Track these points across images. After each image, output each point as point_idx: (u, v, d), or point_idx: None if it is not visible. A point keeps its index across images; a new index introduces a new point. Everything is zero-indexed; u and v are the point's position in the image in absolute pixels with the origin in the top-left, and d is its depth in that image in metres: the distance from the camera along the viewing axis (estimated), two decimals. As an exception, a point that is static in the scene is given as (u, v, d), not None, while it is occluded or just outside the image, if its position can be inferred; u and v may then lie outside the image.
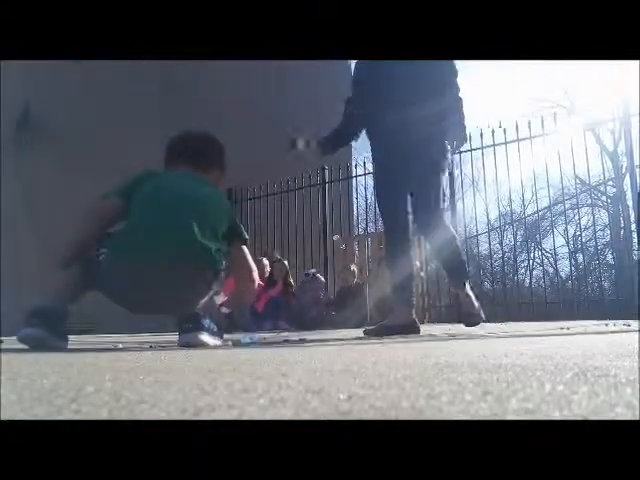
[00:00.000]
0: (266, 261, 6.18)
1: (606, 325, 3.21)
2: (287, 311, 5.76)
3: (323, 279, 6.34)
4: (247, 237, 2.23)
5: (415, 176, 2.68)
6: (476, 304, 2.79)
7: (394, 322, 2.74)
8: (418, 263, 5.60)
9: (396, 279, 2.82)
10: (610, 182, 15.25)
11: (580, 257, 13.28)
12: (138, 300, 2.04)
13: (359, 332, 2.94)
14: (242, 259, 2.18)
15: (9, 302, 5.23)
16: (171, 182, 2.16)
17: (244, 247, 2.20)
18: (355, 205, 7.87)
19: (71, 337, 1.95)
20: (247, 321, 5.61)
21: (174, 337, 2.05)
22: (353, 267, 6.30)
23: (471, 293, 2.82)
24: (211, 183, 2.27)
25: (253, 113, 7.89)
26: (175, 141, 2.40)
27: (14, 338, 1.90)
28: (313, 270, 6.37)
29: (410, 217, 2.75)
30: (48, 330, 1.77)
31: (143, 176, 2.18)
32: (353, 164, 7.05)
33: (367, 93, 2.75)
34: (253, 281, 2.25)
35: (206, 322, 1.92)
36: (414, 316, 2.77)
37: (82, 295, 2.03)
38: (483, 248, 14.44)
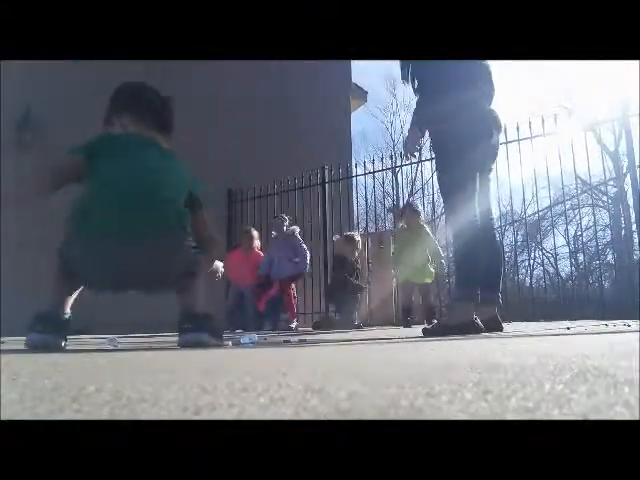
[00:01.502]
0: (255, 232, 6.04)
1: (606, 325, 3.21)
2: (286, 311, 5.75)
3: (301, 241, 5.76)
4: (202, 203, 2.21)
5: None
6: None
7: (453, 321, 2.52)
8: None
9: (459, 274, 2.68)
10: (611, 182, 15.25)
11: (581, 257, 13.29)
12: (121, 276, 1.99)
13: (354, 333, 2.94)
14: (202, 224, 2.20)
15: (9, 302, 5.24)
16: (135, 151, 2.03)
17: (202, 212, 2.22)
18: (355, 205, 7.86)
19: (71, 337, 1.95)
20: (248, 321, 5.57)
21: (174, 337, 2.05)
22: (357, 237, 5.67)
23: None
24: (171, 152, 2.24)
25: (253, 113, 7.89)
26: (127, 92, 2.30)
27: (14, 338, 1.90)
28: (296, 228, 5.88)
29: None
30: (52, 334, 1.78)
31: (104, 139, 2.12)
32: (353, 164, 7.06)
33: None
34: (216, 242, 2.37)
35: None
36: (474, 315, 2.52)
37: (73, 293, 2.02)
38: (483, 248, 14.40)
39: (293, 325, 5.56)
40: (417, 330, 3.11)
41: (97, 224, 1.90)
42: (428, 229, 5.34)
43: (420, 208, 5.56)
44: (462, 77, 2.54)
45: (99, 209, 1.92)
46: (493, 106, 2.75)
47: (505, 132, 5.53)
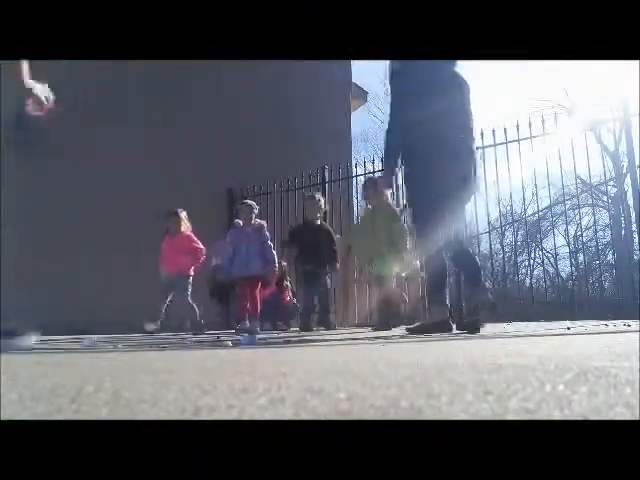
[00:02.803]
0: (183, 214, 4.85)
1: (606, 325, 3.21)
2: (285, 311, 5.71)
3: (269, 238, 4.70)
4: None
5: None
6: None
7: (430, 321, 2.91)
8: (419, 263, 5.57)
9: (432, 281, 3.00)
10: (611, 182, 15.24)
11: (581, 257, 13.27)
12: None
13: (355, 332, 2.94)
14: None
15: (9, 303, 5.24)
16: None
17: None
18: (355, 205, 7.86)
19: (70, 337, 1.95)
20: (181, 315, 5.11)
21: (174, 337, 2.06)
22: (318, 196, 5.12)
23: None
24: None
25: (253, 113, 7.89)
26: None
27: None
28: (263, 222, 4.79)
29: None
30: None
31: None
32: (353, 163, 7.06)
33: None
34: None
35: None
36: (448, 315, 2.87)
37: None
38: (484, 248, 14.46)
39: (258, 328, 4.50)
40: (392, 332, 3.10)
41: None
42: (396, 209, 4.33)
43: (387, 184, 3.92)
44: (435, 91, 2.73)
45: None
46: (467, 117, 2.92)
47: (505, 132, 5.54)
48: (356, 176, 7.13)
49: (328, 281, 5.10)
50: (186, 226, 4.88)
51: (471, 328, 2.74)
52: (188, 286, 4.67)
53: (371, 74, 29.37)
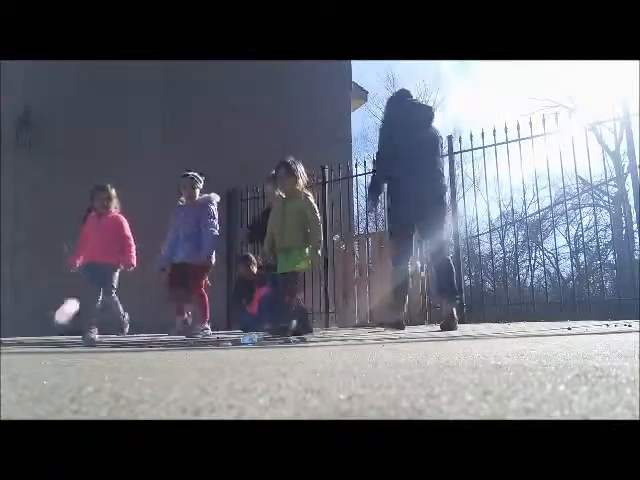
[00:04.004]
0: (113, 190, 3.90)
1: (607, 325, 3.21)
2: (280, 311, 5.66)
3: (216, 215, 3.90)
4: None
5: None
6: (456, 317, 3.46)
7: (389, 319, 3.56)
8: (419, 263, 5.56)
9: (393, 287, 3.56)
10: (612, 182, 15.22)
11: (581, 257, 13.28)
12: None
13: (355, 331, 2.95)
14: None
15: (9, 303, 5.24)
16: None
17: None
18: (355, 205, 7.86)
19: (69, 337, 1.95)
20: (245, 323, 4.89)
21: (174, 337, 2.06)
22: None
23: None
24: None
25: (253, 113, 7.90)
26: None
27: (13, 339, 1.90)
28: (215, 196, 3.98)
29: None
30: None
31: None
32: (353, 163, 7.06)
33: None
34: None
35: None
36: (402, 316, 3.55)
37: None
38: (484, 248, 14.45)
39: (205, 331, 3.72)
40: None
41: None
42: (311, 198, 3.57)
43: (300, 169, 3.49)
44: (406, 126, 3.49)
45: None
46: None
47: (506, 132, 5.53)
48: (356, 176, 7.13)
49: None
50: (115, 206, 3.92)
51: (446, 328, 3.32)
52: (114, 279, 3.79)
53: (371, 74, 29.37)
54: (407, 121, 3.53)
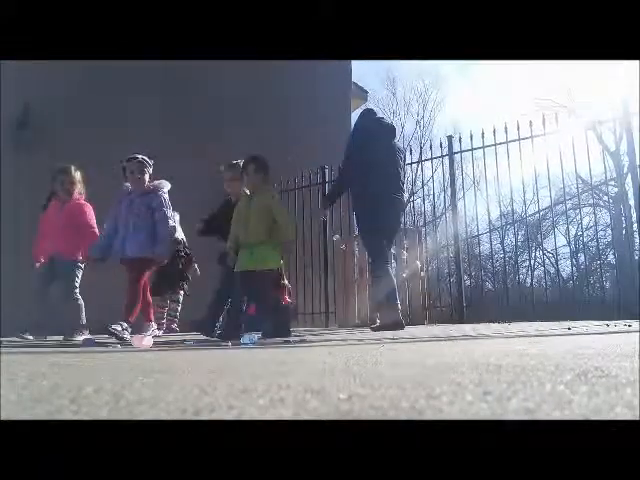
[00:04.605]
0: (78, 174, 3.62)
1: (607, 325, 3.21)
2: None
3: (169, 206, 3.36)
4: None
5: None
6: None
7: (385, 321, 3.62)
8: (419, 263, 5.56)
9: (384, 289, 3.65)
10: (612, 182, 15.21)
11: (581, 257, 13.27)
12: None
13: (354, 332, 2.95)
14: None
15: (9, 303, 5.24)
16: None
17: None
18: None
19: (69, 338, 1.95)
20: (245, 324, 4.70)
21: (173, 337, 2.06)
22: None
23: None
24: None
25: (253, 113, 7.90)
26: None
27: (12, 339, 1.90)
28: (165, 183, 3.49)
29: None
30: None
31: None
32: (354, 164, 7.07)
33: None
34: None
35: None
36: (400, 316, 3.62)
37: None
38: (484, 248, 14.45)
39: (150, 333, 3.22)
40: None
41: None
42: (276, 196, 3.51)
43: (264, 162, 3.31)
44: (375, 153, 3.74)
45: None
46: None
47: (506, 131, 5.53)
48: (356, 176, 7.11)
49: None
50: (81, 192, 3.55)
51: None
52: (76, 275, 3.46)
53: (371, 74, 29.39)
54: (375, 135, 3.85)
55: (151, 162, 3.40)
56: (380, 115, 4.19)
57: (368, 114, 4.10)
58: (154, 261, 3.26)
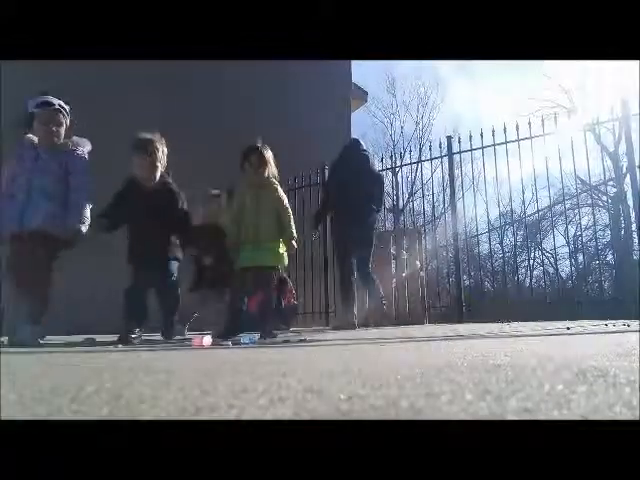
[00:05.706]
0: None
1: (606, 325, 3.21)
2: (286, 312, 5.66)
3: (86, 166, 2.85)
4: None
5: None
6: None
7: (340, 321, 4.35)
8: (419, 263, 5.56)
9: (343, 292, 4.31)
10: (611, 182, 15.23)
11: (580, 257, 13.28)
12: None
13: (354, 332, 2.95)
14: None
15: (9, 303, 5.23)
16: None
17: None
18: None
19: (69, 338, 1.95)
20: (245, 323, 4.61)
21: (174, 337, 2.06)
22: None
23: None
24: None
25: (253, 113, 7.89)
26: None
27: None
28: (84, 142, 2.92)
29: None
30: None
31: None
32: (353, 164, 7.07)
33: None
34: None
35: None
36: (355, 318, 4.19)
37: None
38: (483, 248, 14.45)
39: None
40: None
41: None
42: (280, 189, 3.29)
43: (269, 155, 3.20)
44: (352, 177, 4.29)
45: None
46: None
47: (505, 132, 5.54)
48: (356, 176, 7.11)
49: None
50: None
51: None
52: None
53: (371, 74, 29.39)
54: (347, 160, 4.43)
55: (69, 110, 2.68)
56: (363, 146, 4.67)
57: (349, 144, 4.72)
58: (63, 239, 2.50)
